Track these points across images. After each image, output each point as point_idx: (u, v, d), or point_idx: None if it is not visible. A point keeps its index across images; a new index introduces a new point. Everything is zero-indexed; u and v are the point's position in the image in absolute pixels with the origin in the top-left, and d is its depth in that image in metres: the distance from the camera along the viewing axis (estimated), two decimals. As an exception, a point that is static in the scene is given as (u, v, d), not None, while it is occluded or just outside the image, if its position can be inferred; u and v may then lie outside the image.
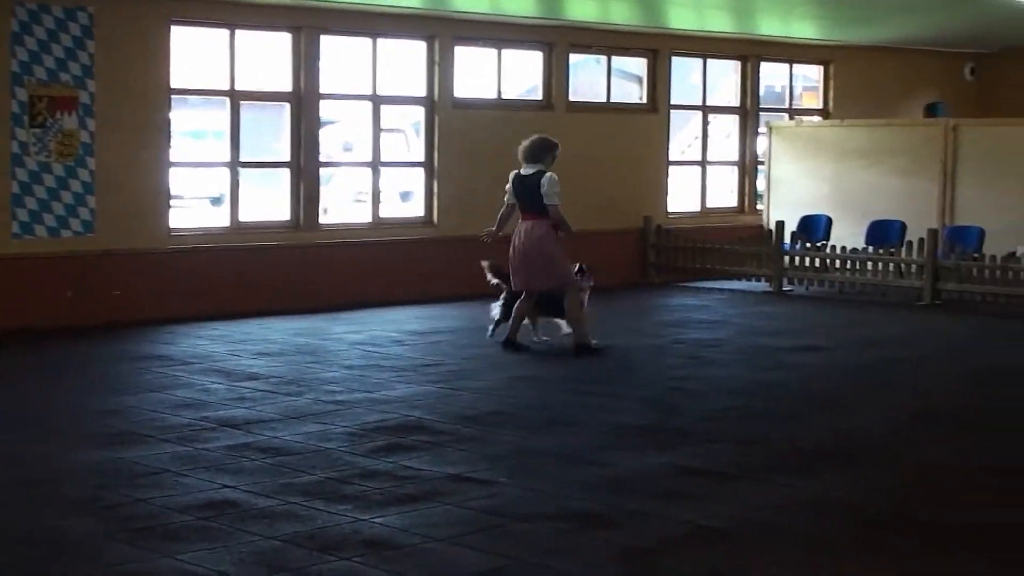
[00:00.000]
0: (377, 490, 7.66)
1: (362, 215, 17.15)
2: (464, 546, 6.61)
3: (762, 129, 20.56)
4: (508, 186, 12.88)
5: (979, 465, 8.55)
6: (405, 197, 20.08)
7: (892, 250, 17.40)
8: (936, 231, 16.93)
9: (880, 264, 17.38)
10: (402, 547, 6.59)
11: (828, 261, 17.94)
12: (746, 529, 6.99)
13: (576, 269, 12.93)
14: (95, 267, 14.39)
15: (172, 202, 15.28)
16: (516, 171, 12.80)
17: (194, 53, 15.64)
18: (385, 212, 17.10)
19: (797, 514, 7.29)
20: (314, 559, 6.40)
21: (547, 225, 12.56)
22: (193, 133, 20.76)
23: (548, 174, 12.51)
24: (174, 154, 15.13)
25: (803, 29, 20.44)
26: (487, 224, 13.14)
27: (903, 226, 17.78)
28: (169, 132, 14.97)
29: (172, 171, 15.10)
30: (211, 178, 18.35)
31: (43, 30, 13.96)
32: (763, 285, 18.24)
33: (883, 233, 17.96)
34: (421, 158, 17.32)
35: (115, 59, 14.48)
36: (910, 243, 17.05)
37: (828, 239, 18.39)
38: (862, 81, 21.93)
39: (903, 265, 17.14)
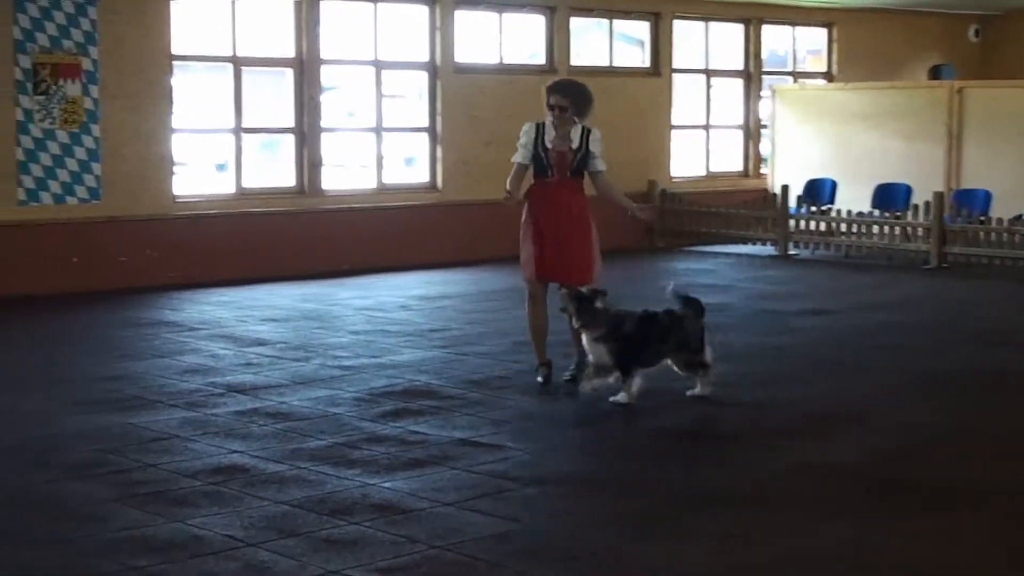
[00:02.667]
0: (385, 455, 7.67)
1: (366, 181, 17.13)
2: (472, 510, 6.61)
3: (766, 93, 20.51)
4: None
5: (981, 428, 8.55)
6: (409, 163, 20.04)
7: (898, 213, 17.37)
8: (942, 194, 16.88)
9: (886, 228, 17.34)
10: (411, 511, 6.60)
11: (834, 225, 17.91)
12: (757, 491, 6.99)
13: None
14: (101, 234, 14.40)
15: (176, 168, 15.27)
16: None
17: (196, 19, 15.58)
18: (389, 178, 17.07)
19: (804, 477, 7.29)
20: (324, 523, 6.41)
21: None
22: (198, 99, 20.70)
23: None
24: (177, 120, 15.12)
25: (807, -9, 20.39)
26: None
27: (909, 189, 17.76)
28: (172, 98, 14.95)
29: (176, 137, 15.10)
30: (216, 144, 18.35)
31: (45, -3, 13.97)
32: (768, 249, 18.22)
33: (889, 197, 17.93)
34: (424, 124, 17.28)
35: (117, 26, 14.45)
36: (916, 206, 17.02)
37: (834, 203, 18.37)
38: (866, 44, 21.84)
39: (909, 228, 17.09)
